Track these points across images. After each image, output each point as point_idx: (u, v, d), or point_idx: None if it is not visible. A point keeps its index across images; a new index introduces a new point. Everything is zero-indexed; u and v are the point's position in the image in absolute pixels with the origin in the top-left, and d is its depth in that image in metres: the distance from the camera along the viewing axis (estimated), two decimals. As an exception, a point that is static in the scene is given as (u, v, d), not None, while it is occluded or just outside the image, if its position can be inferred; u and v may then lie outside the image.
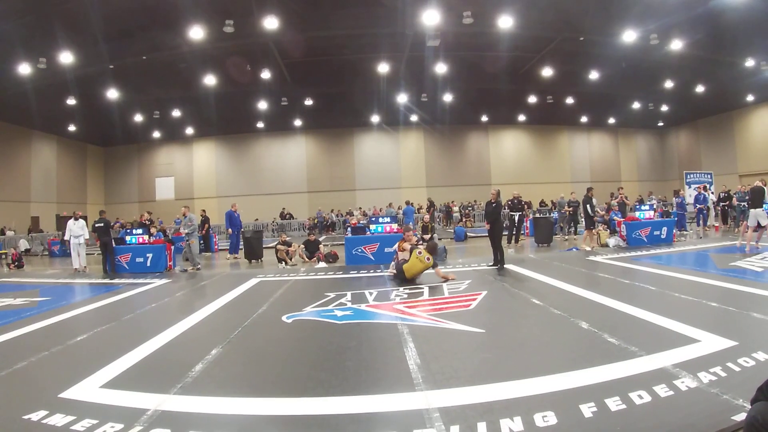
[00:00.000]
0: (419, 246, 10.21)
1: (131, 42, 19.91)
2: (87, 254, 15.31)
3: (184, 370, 4.67)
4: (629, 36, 20.39)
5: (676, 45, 21.31)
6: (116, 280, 12.33)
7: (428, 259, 9.48)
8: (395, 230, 13.58)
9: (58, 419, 3.65)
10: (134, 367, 4.96)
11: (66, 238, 15.12)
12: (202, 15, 18.06)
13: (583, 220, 16.93)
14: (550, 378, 4.03)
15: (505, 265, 11.15)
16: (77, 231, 14.76)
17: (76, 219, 15.01)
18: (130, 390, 4.22)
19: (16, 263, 17.68)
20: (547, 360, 4.63)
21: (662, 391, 3.63)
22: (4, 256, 19.28)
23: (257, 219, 32.68)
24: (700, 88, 28.88)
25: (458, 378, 4.21)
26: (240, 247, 17.30)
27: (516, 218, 17.86)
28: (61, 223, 30.27)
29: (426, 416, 3.44)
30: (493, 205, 11.82)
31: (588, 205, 14.69)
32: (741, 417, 3.04)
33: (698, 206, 19.34)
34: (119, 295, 9.93)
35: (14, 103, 24.44)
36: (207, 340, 5.96)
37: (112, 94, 24.91)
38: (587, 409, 3.38)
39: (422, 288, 8.73)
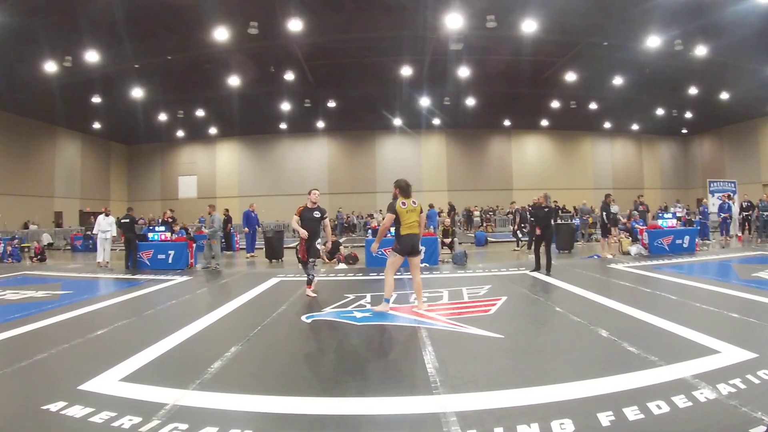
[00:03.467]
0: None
1: (156, 42, 20.19)
2: (111, 250, 15.59)
3: (203, 367, 4.72)
4: (653, 41, 20.11)
5: (701, 51, 20.88)
6: (138, 276, 12.52)
7: (414, 203, 7.27)
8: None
9: (77, 410, 3.71)
10: (153, 362, 5.03)
11: (95, 232, 15.50)
12: (226, 16, 18.24)
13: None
14: (568, 385, 4.01)
15: (532, 272, 11.09)
16: (105, 226, 15.14)
17: (107, 215, 15.40)
18: (148, 384, 4.28)
19: (39, 257, 18.04)
20: (566, 367, 4.59)
21: (681, 401, 3.59)
22: (27, 250, 19.64)
23: (278, 219, 32.82)
24: (724, 95, 28.27)
25: (476, 383, 4.20)
26: (258, 246, 17.45)
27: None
28: (84, 218, 30.87)
29: (443, 420, 3.44)
30: (545, 210, 11.33)
31: (605, 213, 14.50)
32: (759, 430, 3.01)
33: (722, 215, 18.97)
34: (140, 291, 10.07)
35: (40, 100, 24.95)
36: (226, 338, 6.03)
37: (137, 93, 25.21)
38: (605, 418, 3.35)
39: (442, 292, 8.71)
